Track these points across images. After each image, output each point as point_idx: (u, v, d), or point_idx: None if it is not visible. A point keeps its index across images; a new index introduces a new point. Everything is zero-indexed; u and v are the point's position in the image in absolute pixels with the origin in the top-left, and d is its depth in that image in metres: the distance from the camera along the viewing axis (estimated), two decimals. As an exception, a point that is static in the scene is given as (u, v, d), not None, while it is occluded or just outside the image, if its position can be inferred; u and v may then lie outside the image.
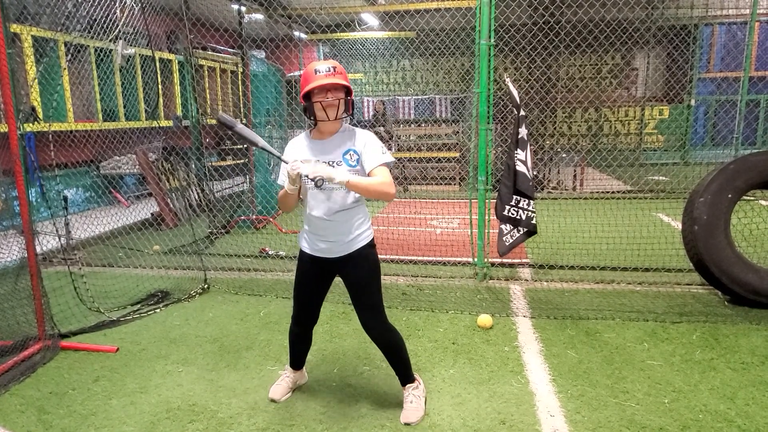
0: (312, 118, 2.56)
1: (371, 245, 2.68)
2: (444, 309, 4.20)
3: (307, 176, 2.41)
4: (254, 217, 7.25)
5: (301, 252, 2.75)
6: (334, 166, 2.51)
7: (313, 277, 2.74)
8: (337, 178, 2.37)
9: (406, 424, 2.68)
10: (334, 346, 3.61)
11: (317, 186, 2.51)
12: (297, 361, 3.02)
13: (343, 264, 2.65)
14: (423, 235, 6.37)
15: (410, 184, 10.61)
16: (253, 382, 3.15)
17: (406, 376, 2.82)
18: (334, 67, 2.49)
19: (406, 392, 2.80)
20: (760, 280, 4.02)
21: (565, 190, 9.82)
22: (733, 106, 8.83)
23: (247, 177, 7.52)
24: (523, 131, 4.14)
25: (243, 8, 7.43)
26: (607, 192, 9.14)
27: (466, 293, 4.56)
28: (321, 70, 2.48)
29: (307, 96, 2.51)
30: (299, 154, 2.56)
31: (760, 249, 4.71)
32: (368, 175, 2.51)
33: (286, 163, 2.47)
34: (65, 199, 5.80)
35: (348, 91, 2.55)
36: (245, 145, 7.61)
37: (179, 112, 9.92)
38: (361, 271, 2.65)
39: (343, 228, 2.58)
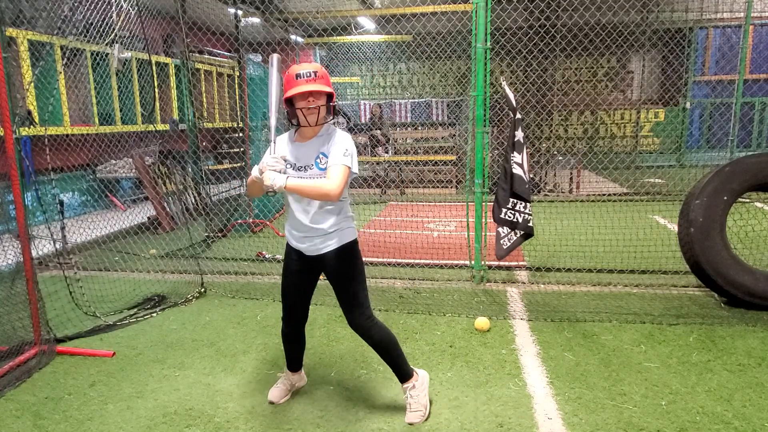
0: (295, 121, 2.57)
1: (353, 243, 2.69)
2: (441, 312, 4.20)
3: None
4: (251, 220, 7.24)
5: (287, 245, 2.77)
6: (306, 170, 2.55)
7: (297, 271, 2.75)
8: (276, 185, 2.37)
9: (409, 424, 2.69)
10: (331, 349, 3.61)
11: (267, 193, 2.47)
12: (293, 362, 3.01)
13: (326, 261, 2.66)
14: (420, 239, 6.37)
15: (407, 188, 10.61)
16: (250, 386, 3.14)
17: (401, 374, 2.79)
18: (315, 72, 2.46)
19: (405, 393, 2.79)
20: (755, 282, 4.03)
21: (562, 192, 9.84)
22: (728, 109, 8.87)
23: (244, 180, 7.51)
24: (519, 134, 4.15)
25: (240, 12, 7.43)
26: (604, 195, 9.16)
27: (463, 296, 4.56)
28: (302, 75, 2.45)
29: (290, 100, 2.51)
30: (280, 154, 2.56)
31: (755, 251, 4.72)
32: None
33: (270, 156, 2.44)
34: (61, 203, 5.78)
35: (330, 96, 2.53)
36: (242, 149, 7.61)
37: (176, 116, 9.91)
38: (341, 268, 2.66)
39: (322, 226, 2.59)
